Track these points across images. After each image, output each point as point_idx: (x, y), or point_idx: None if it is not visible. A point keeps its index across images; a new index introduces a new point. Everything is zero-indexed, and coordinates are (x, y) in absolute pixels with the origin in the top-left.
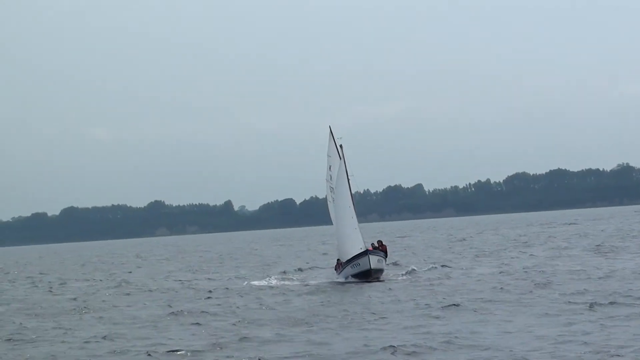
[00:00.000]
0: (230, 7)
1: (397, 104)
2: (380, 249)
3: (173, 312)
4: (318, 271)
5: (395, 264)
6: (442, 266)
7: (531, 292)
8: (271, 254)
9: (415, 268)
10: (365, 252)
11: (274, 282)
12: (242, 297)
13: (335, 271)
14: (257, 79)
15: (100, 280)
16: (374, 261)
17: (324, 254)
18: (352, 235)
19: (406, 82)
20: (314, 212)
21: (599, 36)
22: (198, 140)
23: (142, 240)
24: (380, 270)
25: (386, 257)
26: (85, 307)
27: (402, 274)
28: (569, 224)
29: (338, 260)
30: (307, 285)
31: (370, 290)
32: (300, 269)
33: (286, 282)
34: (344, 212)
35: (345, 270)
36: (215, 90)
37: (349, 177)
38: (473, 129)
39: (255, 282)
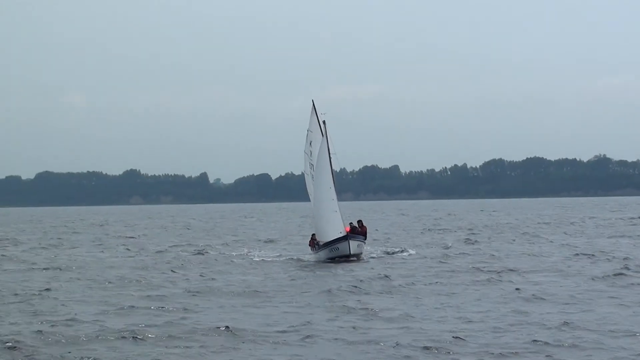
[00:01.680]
0: None
1: (376, 84)
2: (360, 230)
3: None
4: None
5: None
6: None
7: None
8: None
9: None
10: (346, 237)
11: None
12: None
13: (309, 247)
14: (237, 54)
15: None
16: (353, 246)
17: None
18: (332, 218)
19: (386, 63)
20: (289, 188)
21: (581, 27)
22: (176, 111)
23: (117, 208)
24: (360, 254)
25: (365, 238)
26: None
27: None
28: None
29: (313, 235)
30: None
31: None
32: (270, 240)
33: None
34: (324, 193)
35: (323, 252)
36: (195, 62)
37: (331, 156)
38: (452, 113)
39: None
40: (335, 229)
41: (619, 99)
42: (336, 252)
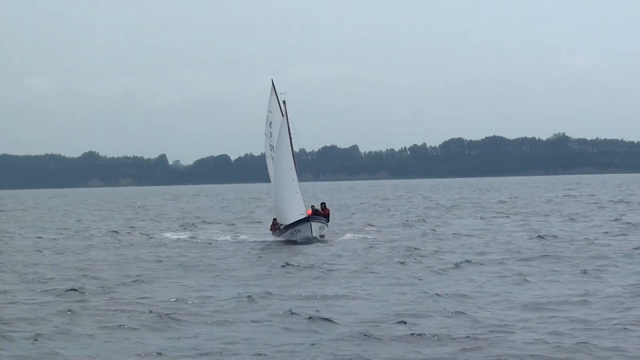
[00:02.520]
0: None
1: (336, 64)
2: (322, 212)
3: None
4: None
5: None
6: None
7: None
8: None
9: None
10: (307, 219)
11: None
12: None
13: (270, 232)
14: (196, 35)
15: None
16: (315, 228)
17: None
18: (293, 199)
19: (346, 44)
20: (249, 169)
21: (539, 7)
22: (134, 92)
23: (75, 190)
24: (322, 237)
25: (328, 221)
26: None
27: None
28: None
29: (274, 219)
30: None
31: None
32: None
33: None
34: (285, 174)
35: (284, 234)
36: (154, 44)
37: (291, 136)
38: (412, 93)
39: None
40: (296, 211)
41: (578, 78)
42: (298, 235)
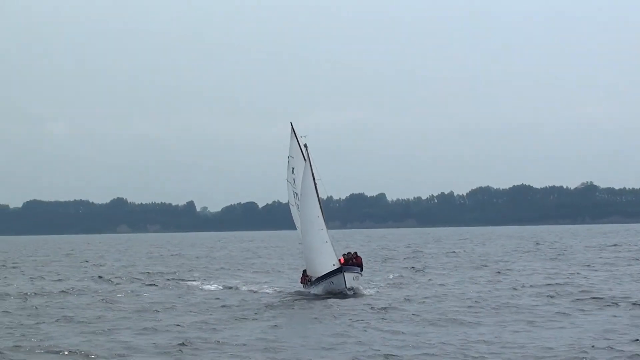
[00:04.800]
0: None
1: (358, 111)
2: (354, 261)
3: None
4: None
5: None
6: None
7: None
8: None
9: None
10: (340, 270)
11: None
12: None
13: (301, 284)
14: (220, 79)
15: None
16: (349, 279)
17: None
18: (323, 250)
19: (368, 90)
20: (276, 216)
21: (567, 55)
22: (159, 140)
23: (106, 236)
24: (357, 287)
25: (362, 270)
26: None
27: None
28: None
29: (304, 271)
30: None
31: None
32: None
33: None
34: (311, 223)
35: (316, 288)
36: (178, 88)
37: (316, 182)
38: (438, 140)
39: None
40: (328, 261)
41: (603, 127)
42: (331, 287)
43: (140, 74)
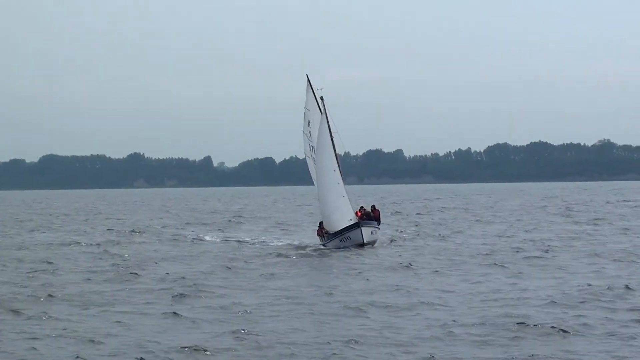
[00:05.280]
0: None
1: (377, 67)
2: (372, 214)
3: None
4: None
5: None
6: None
7: None
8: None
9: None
10: (357, 224)
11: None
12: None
13: (318, 237)
14: (239, 38)
15: None
16: (366, 234)
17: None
18: (340, 204)
19: (387, 46)
20: (293, 171)
21: (586, 10)
22: (180, 94)
23: (122, 191)
24: (374, 241)
25: (380, 224)
26: None
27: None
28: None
29: (321, 223)
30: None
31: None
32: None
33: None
34: (328, 177)
35: (333, 242)
36: (199, 47)
37: (332, 135)
38: (455, 96)
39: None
40: (345, 216)
41: (623, 83)
42: (349, 242)
43: (169, 32)
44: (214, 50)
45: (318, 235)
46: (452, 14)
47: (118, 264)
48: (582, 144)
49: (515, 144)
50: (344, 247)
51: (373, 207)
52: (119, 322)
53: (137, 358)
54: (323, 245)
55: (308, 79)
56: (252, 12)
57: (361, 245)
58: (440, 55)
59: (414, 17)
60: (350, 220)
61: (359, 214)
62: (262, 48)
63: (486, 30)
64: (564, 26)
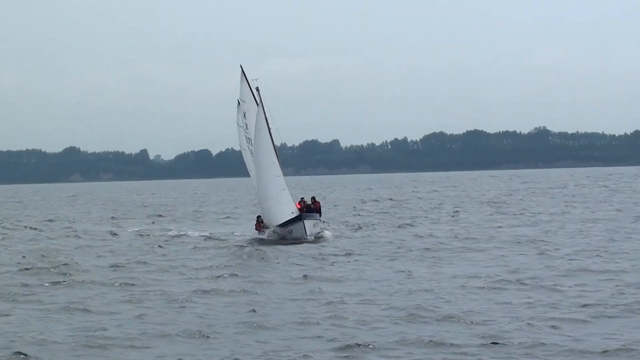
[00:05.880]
0: None
1: (310, 57)
2: (313, 206)
3: None
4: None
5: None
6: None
7: None
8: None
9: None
10: (300, 217)
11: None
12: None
13: (256, 231)
14: (171, 33)
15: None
16: (309, 227)
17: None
18: (280, 198)
19: (320, 38)
20: (230, 164)
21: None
22: (109, 87)
23: (58, 185)
24: (317, 233)
25: (320, 215)
26: None
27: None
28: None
29: (259, 217)
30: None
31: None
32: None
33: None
34: (267, 170)
35: (274, 236)
36: (130, 38)
37: (270, 127)
38: (390, 86)
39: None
40: (285, 209)
41: (557, 71)
42: (291, 236)
43: (93, 24)
44: (147, 41)
45: (256, 229)
46: (384, 3)
47: None
48: (518, 131)
49: (452, 132)
50: (285, 239)
51: (313, 198)
52: None
53: None
54: (262, 237)
55: (242, 69)
56: (186, 1)
57: (303, 237)
58: (374, 46)
59: (347, 7)
60: (292, 213)
61: (299, 206)
62: (196, 38)
63: (416, 19)
64: (502, 13)
